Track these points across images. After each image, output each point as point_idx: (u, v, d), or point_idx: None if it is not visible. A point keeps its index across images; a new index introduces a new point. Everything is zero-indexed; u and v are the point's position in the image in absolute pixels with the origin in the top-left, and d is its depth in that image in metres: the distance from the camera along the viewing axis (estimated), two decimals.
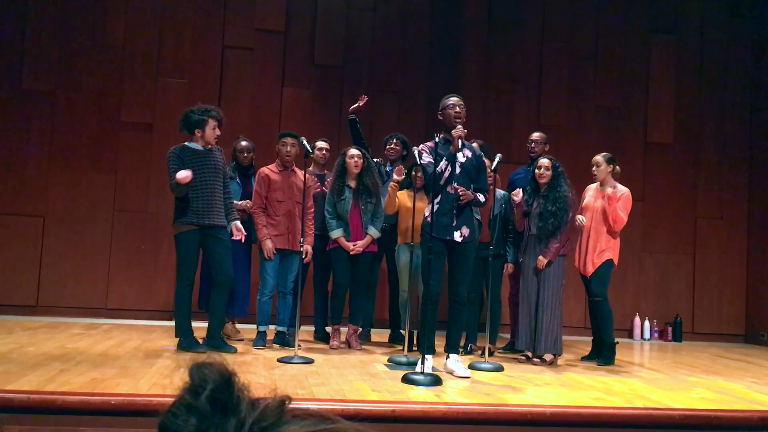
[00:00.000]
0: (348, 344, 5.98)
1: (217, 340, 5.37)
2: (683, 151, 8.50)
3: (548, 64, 8.36)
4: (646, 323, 8.14)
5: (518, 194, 5.79)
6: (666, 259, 8.40)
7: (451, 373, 4.80)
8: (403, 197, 6.02)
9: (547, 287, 5.54)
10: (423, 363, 4.53)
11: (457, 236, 4.96)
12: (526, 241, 5.72)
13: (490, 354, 5.57)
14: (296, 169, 5.95)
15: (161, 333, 6.22)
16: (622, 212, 5.83)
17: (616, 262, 5.92)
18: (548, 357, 5.59)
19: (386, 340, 6.57)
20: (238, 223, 5.51)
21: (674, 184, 8.44)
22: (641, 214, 8.00)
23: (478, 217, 5.20)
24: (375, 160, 6.31)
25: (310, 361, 5.01)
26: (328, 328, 6.24)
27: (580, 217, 5.72)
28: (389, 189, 5.88)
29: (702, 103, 8.57)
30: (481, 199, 5.07)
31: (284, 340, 5.84)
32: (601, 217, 5.88)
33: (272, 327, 5.92)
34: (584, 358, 6.02)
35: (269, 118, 7.80)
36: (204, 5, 7.83)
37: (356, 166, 5.92)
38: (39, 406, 3.30)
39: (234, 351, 5.33)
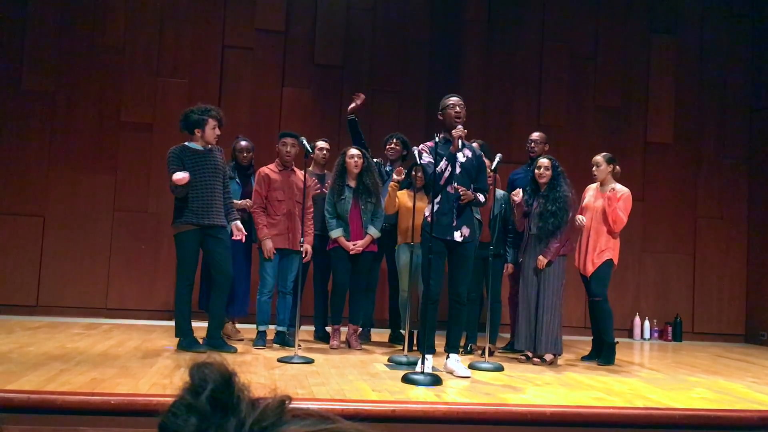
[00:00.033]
0: (348, 344, 5.98)
1: (217, 340, 5.37)
2: (683, 151, 8.50)
3: (548, 64, 8.36)
4: (646, 323, 8.14)
5: (518, 194, 5.79)
6: (666, 259, 8.40)
7: (451, 372, 4.80)
8: (403, 197, 6.02)
9: (547, 287, 5.54)
10: (423, 363, 4.53)
11: (458, 236, 4.96)
12: (526, 241, 5.72)
13: (490, 354, 5.57)
14: (296, 169, 5.95)
15: (161, 333, 6.22)
16: (621, 213, 5.83)
17: (616, 262, 5.92)
18: (548, 357, 5.59)
19: (386, 339, 6.57)
20: (238, 222, 5.51)
21: (674, 184, 8.44)
22: (641, 214, 8.00)
23: (479, 217, 5.20)
24: (375, 160, 6.31)
25: (310, 361, 5.01)
26: (328, 328, 6.24)
27: (580, 217, 5.72)
28: (389, 189, 5.88)
29: (702, 103, 8.57)
30: (481, 199, 5.07)
31: (284, 340, 5.84)
32: (601, 217, 5.88)
33: (272, 327, 5.92)
34: (584, 358, 6.02)
35: (269, 118, 7.80)
36: (204, 5, 7.83)
37: (356, 165, 5.92)
38: (39, 406, 3.30)
39: (234, 351, 5.33)
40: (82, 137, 7.51)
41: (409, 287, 5.72)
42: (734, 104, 8.60)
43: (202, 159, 5.35)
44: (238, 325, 6.30)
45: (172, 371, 4.33)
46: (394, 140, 6.57)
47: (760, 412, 3.88)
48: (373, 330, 6.60)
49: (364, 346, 6.02)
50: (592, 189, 6.08)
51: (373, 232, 5.99)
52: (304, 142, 5.51)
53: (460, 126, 4.99)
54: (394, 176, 5.90)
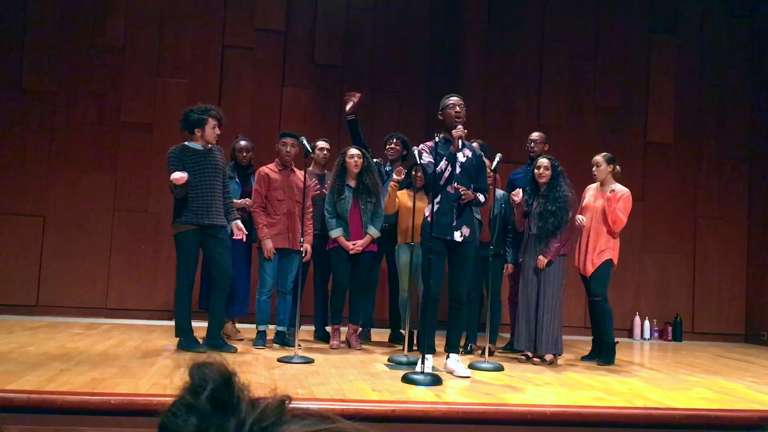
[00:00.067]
0: (348, 344, 5.98)
1: (217, 340, 5.37)
2: (683, 151, 8.50)
3: (548, 64, 8.36)
4: (646, 323, 8.14)
5: (518, 194, 5.79)
6: (666, 259, 8.40)
7: (451, 372, 4.80)
8: (403, 197, 6.02)
9: (547, 287, 5.54)
10: (423, 363, 4.53)
11: (458, 236, 4.96)
12: (526, 241, 5.72)
13: (490, 354, 5.57)
14: (295, 169, 5.95)
15: (161, 333, 6.22)
16: (621, 213, 5.83)
17: (615, 262, 5.92)
18: (548, 357, 5.59)
19: (386, 339, 6.57)
20: (238, 222, 5.51)
21: (674, 184, 8.44)
22: (641, 214, 8.00)
23: (479, 216, 5.20)
24: (375, 160, 6.31)
25: (310, 361, 5.01)
26: (328, 328, 6.24)
27: (579, 216, 5.72)
28: (389, 189, 5.89)
29: (702, 103, 8.57)
30: (481, 199, 5.07)
31: (284, 340, 5.84)
32: (601, 217, 5.88)
33: (272, 327, 5.92)
34: (584, 358, 6.02)
35: (269, 118, 7.80)
36: (204, 5, 7.83)
37: (356, 165, 5.92)
38: (39, 406, 3.30)
39: (234, 351, 5.33)
40: (82, 137, 7.51)
41: (409, 287, 5.72)
42: (734, 104, 8.60)
43: (202, 159, 5.35)
44: (238, 325, 6.30)
45: (172, 371, 4.33)
46: (394, 140, 6.57)
47: (760, 412, 3.88)
48: (373, 330, 6.60)
49: (364, 346, 6.02)
50: (592, 189, 6.08)
51: (373, 231, 5.99)
52: (304, 142, 5.51)
53: (460, 126, 4.99)
54: (394, 176, 5.90)
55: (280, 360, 5.00)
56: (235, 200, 5.76)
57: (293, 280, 5.81)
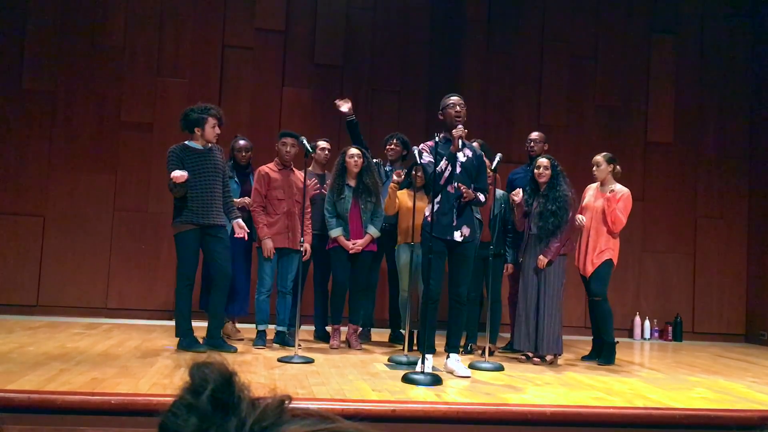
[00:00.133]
0: (348, 344, 5.98)
1: (217, 340, 5.37)
2: (683, 151, 8.50)
3: (548, 64, 8.36)
4: (647, 323, 8.14)
5: (518, 194, 5.79)
6: (666, 259, 8.40)
7: (451, 372, 4.80)
8: (403, 197, 6.02)
9: (547, 287, 5.54)
10: (423, 363, 4.53)
11: (458, 236, 4.96)
12: (526, 240, 5.72)
13: (491, 354, 5.57)
14: (295, 169, 5.96)
15: (161, 333, 6.22)
16: (621, 213, 5.83)
17: (615, 262, 5.92)
18: (549, 357, 5.59)
19: (386, 339, 6.57)
20: (240, 221, 5.51)
21: (674, 184, 8.44)
22: (641, 214, 8.00)
23: (479, 216, 5.20)
24: (375, 160, 6.31)
25: (310, 361, 5.01)
26: (328, 328, 6.24)
27: (579, 216, 5.72)
28: (389, 191, 5.89)
29: (702, 103, 8.57)
30: (481, 199, 5.07)
31: (284, 340, 5.84)
32: (601, 217, 5.88)
33: (272, 327, 5.92)
34: (584, 358, 6.02)
35: (269, 117, 7.80)
36: (204, 5, 7.83)
37: (356, 165, 5.92)
38: (39, 406, 3.30)
39: (234, 350, 5.33)
40: (82, 137, 7.51)
41: (410, 287, 5.72)
42: (734, 104, 8.60)
43: (202, 158, 5.35)
44: (238, 325, 6.30)
45: (172, 371, 4.33)
46: (394, 141, 6.56)
47: (760, 412, 3.88)
48: (373, 330, 6.60)
49: (364, 346, 6.02)
50: (592, 189, 6.08)
51: (373, 231, 5.99)
52: (305, 141, 5.50)
53: (460, 126, 4.99)
54: (394, 177, 5.90)
55: (280, 360, 5.00)
56: (234, 199, 5.76)
57: (293, 279, 5.81)
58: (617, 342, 5.95)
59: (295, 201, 5.83)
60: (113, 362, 4.57)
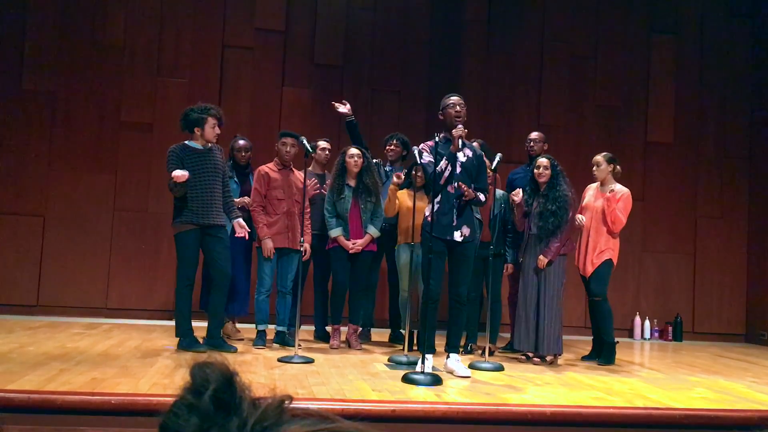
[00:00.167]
0: (348, 344, 5.98)
1: (217, 340, 5.37)
2: (683, 151, 8.50)
3: (548, 64, 8.36)
4: (647, 323, 8.14)
5: (518, 194, 5.79)
6: (666, 259, 8.40)
7: (451, 372, 4.80)
8: (404, 197, 6.02)
9: (547, 287, 5.54)
10: (423, 362, 4.53)
11: (458, 236, 4.96)
12: (526, 240, 5.72)
13: (491, 354, 5.57)
14: (294, 169, 5.96)
15: (161, 333, 6.22)
16: (621, 214, 5.83)
17: (615, 262, 5.92)
18: (549, 357, 5.59)
19: (386, 339, 6.57)
20: (240, 220, 5.51)
21: (674, 184, 8.44)
22: (641, 214, 8.00)
23: (479, 216, 5.20)
24: (375, 160, 6.31)
25: (310, 361, 5.01)
26: (328, 328, 6.24)
27: (579, 216, 5.72)
28: (389, 192, 5.89)
29: (702, 103, 8.57)
30: (481, 199, 5.07)
31: (284, 340, 5.84)
32: (601, 216, 5.88)
33: (272, 327, 5.92)
34: (584, 358, 6.02)
35: (269, 117, 7.80)
36: (204, 5, 7.83)
37: (356, 165, 5.92)
38: (39, 406, 3.30)
39: (234, 350, 5.33)
40: (82, 137, 7.51)
41: (410, 287, 5.72)
42: (734, 104, 8.60)
43: (202, 158, 5.35)
44: (238, 325, 6.30)
45: (172, 371, 4.34)
46: (395, 141, 6.57)
47: (760, 412, 3.88)
48: (373, 330, 6.60)
49: (364, 346, 6.02)
50: (592, 189, 6.08)
51: (373, 231, 5.99)
52: (305, 142, 5.51)
53: (460, 125, 4.99)
54: (394, 179, 5.90)
55: (280, 360, 5.00)
56: (234, 199, 5.76)
57: (293, 279, 5.81)
58: (617, 342, 5.95)
59: (294, 201, 5.83)
60: (113, 362, 4.57)
